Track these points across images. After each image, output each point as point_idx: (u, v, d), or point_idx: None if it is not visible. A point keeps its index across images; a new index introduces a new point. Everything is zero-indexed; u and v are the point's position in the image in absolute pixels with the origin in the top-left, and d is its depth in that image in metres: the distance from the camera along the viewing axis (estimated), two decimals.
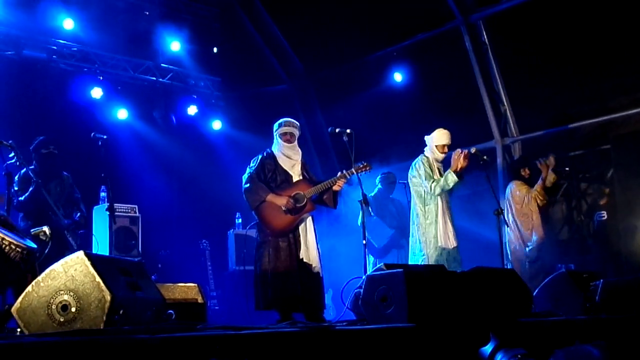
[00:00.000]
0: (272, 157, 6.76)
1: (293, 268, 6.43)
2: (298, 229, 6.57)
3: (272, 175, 6.67)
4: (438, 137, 7.39)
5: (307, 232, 6.61)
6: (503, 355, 3.59)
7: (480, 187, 7.73)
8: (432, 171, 7.28)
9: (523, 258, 8.26)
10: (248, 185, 6.57)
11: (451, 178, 7.10)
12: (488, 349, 3.72)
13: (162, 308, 4.37)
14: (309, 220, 6.67)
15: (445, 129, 7.42)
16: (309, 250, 6.55)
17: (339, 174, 6.59)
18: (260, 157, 6.75)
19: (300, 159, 6.84)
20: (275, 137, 6.84)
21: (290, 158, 6.77)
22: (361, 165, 6.63)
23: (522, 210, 8.28)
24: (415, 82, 10.62)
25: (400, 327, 3.94)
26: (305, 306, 6.46)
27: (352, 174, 6.60)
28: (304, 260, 6.49)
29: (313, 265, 6.53)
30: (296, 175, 6.74)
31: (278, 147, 6.79)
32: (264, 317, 7.23)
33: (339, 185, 6.61)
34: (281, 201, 6.48)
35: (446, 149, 7.35)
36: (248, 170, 6.69)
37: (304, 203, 6.53)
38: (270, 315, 6.75)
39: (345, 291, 5.96)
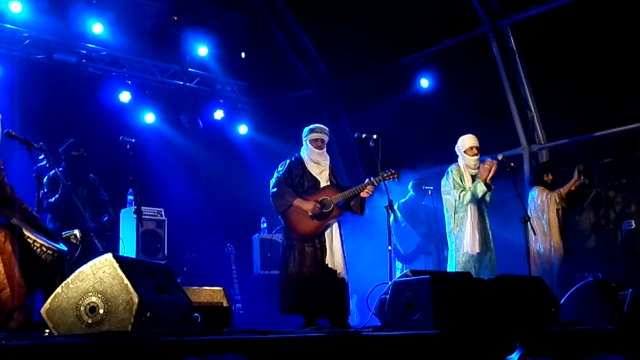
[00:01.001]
0: (300, 162, 6.75)
1: (318, 273, 6.43)
2: (324, 234, 6.57)
3: (299, 180, 6.67)
4: (464, 143, 7.43)
5: (333, 237, 6.61)
6: None
7: (507, 194, 7.69)
8: (461, 180, 7.31)
9: (550, 264, 8.24)
10: (275, 189, 6.58)
11: (480, 188, 7.13)
12: (514, 357, 3.69)
13: (188, 311, 4.40)
14: (335, 226, 6.66)
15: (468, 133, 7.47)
16: (335, 256, 6.54)
17: (367, 180, 6.57)
18: (288, 161, 6.75)
19: (328, 165, 6.83)
20: (304, 142, 6.84)
21: (318, 164, 6.77)
22: (389, 173, 6.61)
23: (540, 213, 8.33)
24: (442, 88, 10.58)
25: (426, 333, 3.93)
26: (330, 312, 6.45)
27: (380, 181, 6.58)
28: (329, 266, 6.48)
29: (338, 272, 6.52)
30: (324, 181, 6.73)
31: (307, 153, 6.78)
32: (288, 322, 7.25)
33: (367, 192, 6.58)
34: (308, 206, 6.48)
35: (475, 151, 7.37)
36: (275, 174, 6.69)
37: (330, 209, 6.53)
38: (294, 321, 6.75)
39: (370, 297, 5.97)
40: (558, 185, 8.51)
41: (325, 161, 6.82)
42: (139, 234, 7.68)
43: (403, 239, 9.01)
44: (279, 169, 6.74)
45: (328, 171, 6.81)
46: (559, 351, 4.12)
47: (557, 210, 8.38)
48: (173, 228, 9.02)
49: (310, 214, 6.48)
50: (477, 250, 7.18)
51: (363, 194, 6.59)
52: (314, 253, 6.49)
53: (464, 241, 7.25)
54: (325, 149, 6.82)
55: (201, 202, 10.34)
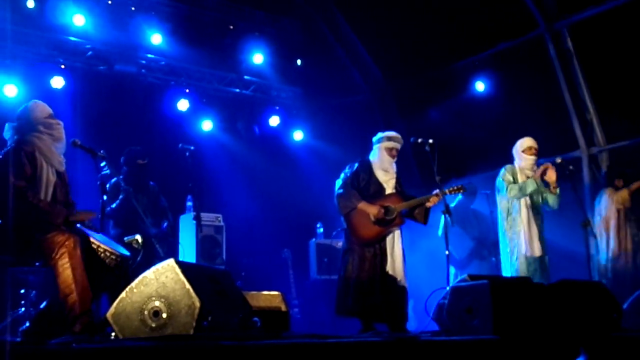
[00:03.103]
0: (368, 166, 6.75)
1: (375, 279, 6.44)
2: (384, 240, 6.56)
3: (365, 185, 6.67)
4: (522, 143, 7.42)
5: (395, 244, 6.60)
6: None
7: (566, 198, 7.57)
8: (514, 179, 7.24)
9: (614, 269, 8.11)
10: (341, 191, 6.59)
11: (531, 184, 7.08)
12: None
13: (248, 315, 4.47)
14: (397, 233, 6.65)
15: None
16: (395, 262, 6.54)
17: (435, 192, 6.57)
18: (356, 165, 6.74)
19: (395, 173, 6.82)
20: (376, 147, 6.82)
21: (387, 171, 6.76)
22: (456, 187, 6.66)
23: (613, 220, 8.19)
24: (498, 92, 10.46)
25: (485, 339, 3.92)
26: (389, 317, 6.45)
27: (446, 194, 6.61)
28: (390, 272, 6.48)
29: (398, 279, 6.52)
30: (389, 188, 6.72)
31: (378, 159, 6.77)
32: (346, 327, 7.27)
33: (431, 202, 6.59)
34: (372, 210, 6.47)
35: (533, 151, 7.33)
36: (342, 175, 6.71)
37: (393, 216, 6.52)
38: (352, 326, 6.78)
39: (428, 302, 5.95)
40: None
41: (394, 170, 6.81)
42: (198, 240, 7.81)
43: (456, 244, 8.94)
44: (346, 170, 6.74)
45: (395, 179, 6.79)
46: (622, 358, 4.06)
47: (619, 210, 8.23)
48: (231, 234, 9.13)
49: (373, 219, 6.47)
50: (538, 254, 7.08)
51: (428, 204, 6.59)
52: (373, 259, 6.50)
53: (520, 244, 7.16)
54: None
55: (258, 208, 10.44)
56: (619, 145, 9.81)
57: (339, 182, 6.67)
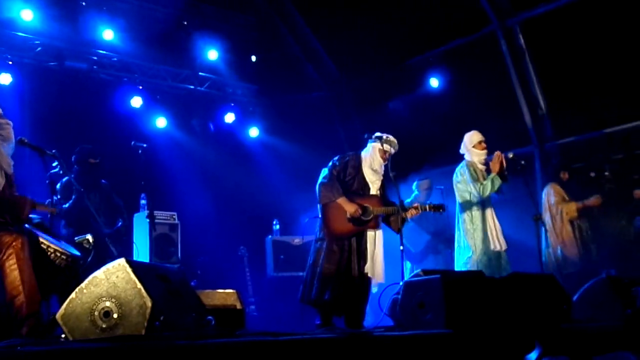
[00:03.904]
0: (358, 162, 6.72)
1: (340, 271, 6.43)
2: (353, 238, 6.55)
3: (351, 179, 6.64)
4: (471, 139, 7.47)
5: (376, 246, 6.60)
6: None
7: (517, 192, 7.67)
8: (477, 175, 7.31)
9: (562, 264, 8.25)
10: (326, 180, 6.55)
11: (497, 181, 7.16)
12: (533, 356, 3.71)
13: (201, 314, 4.43)
14: (379, 235, 6.64)
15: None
16: (375, 265, 6.53)
17: (414, 204, 6.66)
18: (347, 158, 6.71)
19: (383, 176, 6.80)
20: (370, 146, 6.78)
21: (376, 172, 6.74)
22: (436, 206, 6.76)
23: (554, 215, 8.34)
24: (452, 88, 10.56)
25: (437, 333, 3.95)
26: (348, 312, 6.46)
27: (426, 209, 6.71)
28: (369, 274, 6.48)
29: (379, 281, 6.53)
30: (374, 190, 6.71)
31: (370, 158, 6.73)
32: (304, 324, 7.29)
33: (410, 214, 6.62)
34: (350, 208, 6.45)
35: (484, 145, 7.40)
36: (330, 164, 6.65)
37: (369, 218, 6.52)
38: (309, 323, 6.78)
39: (382, 297, 5.98)
40: (573, 183, 8.50)
41: (382, 171, 6.78)
42: (152, 238, 7.72)
43: (411, 239, 9.02)
44: (335, 160, 6.70)
45: (381, 181, 6.78)
46: (573, 349, 4.13)
47: (572, 222, 8.38)
48: (186, 232, 9.06)
49: (348, 216, 6.46)
50: (505, 247, 7.17)
51: (405, 215, 6.62)
52: (340, 253, 6.49)
53: (485, 239, 7.21)
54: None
55: (214, 205, 10.38)
56: (570, 140, 9.98)
57: (324, 171, 6.61)
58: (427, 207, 6.73)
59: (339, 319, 6.59)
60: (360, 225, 6.51)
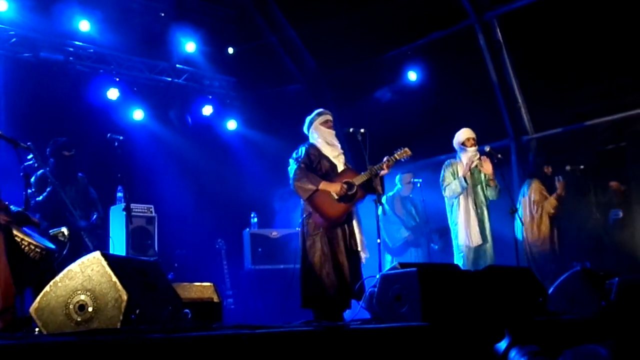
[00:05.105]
0: (315, 147, 6.64)
1: (346, 259, 6.34)
2: (351, 218, 6.50)
3: (317, 165, 6.56)
4: (460, 136, 7.63)
5: (354, 222, 6.53)
6: (517, 351, 3.61)
7: None
8: (453, 174, 7.47)
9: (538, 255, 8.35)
10: (297, 176, 6.42)
11: (458, 183, 7.41)
12: (502, 345, 3.74)
13: (178, 307, 4.41)
14: (353, 210, 6.57)
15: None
16: (357, 238, 6.47)
17: (385, 159, 6.53)
18: (304, 148, 6.61)
19: (342, 149, 6.74)
20: (313, 128, 6.73)
21: (334, 146, 6.68)
22: (402, 151, 6.61)
23: (534, 213, 8.42)
24: (430, 81, 10.60)
25: (414, 326, 3.96)
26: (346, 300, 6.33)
27: (396, 159, 6.60)
28: (357, 249, 6.42)
29: (361, 253, 6.46)
30: (341, 165, 6.65)
31: (321, 137, 6.67)
32: (282, 316, 7.27)
33: (386, 169, 6.53)
34: (335, 188, 6.37)
35: (472, 141, 7.54)
36: (293, 162, 6.55)
37: (355, 191, 6.45)
38: (288, 315, 6.75)
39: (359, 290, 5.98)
40: (553, 177, 8.60)
41: (339, 144, 6.73)
42: (128, 231, 7.66)
43: (391, 232, 9.06)
44: (295, 156, 6.61)
45: (343, 155, 6.72)
46: (546, 340, 4.16)
47: (550, 216, 8.45)
48: (163, 224, 8.99)
49: (336, 197, 6.37)
50: (476, 243, 7.29)
51: (382, 172, 6.55)
52: (344, 238, 6.40)
53: (459, 234, 7.40)
54: None
55: (191, 198, 10.34)
56: (547, 134, 10.06)
57: (292, 169, 6.49)
58: (397, 155, 6.59)
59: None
60: (350, 200, 6.44)
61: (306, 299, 6.36)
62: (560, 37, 9.18)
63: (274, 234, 9.78)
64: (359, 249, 6.46)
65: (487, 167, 7.44)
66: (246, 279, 9.66)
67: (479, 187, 7.57)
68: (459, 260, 7.44)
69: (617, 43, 8.78)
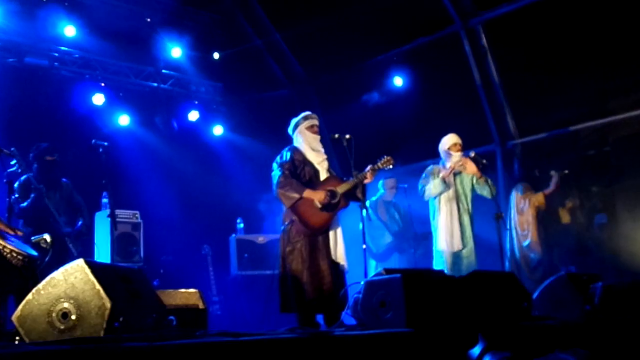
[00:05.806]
0: (299, 152, 6.57)
1: (328, 266, 6.31)
2: (331, 226, 6.46)
3: (301, 172, 6.49)
4: (446, 142, 7.66)
5: (337, 231, 6.49)
6: (491, 357, 3.63)
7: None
8: (432, 180, 7.52)
9: (526, 262, 8.38)
10: (281, 183, 6.32)
11: (437, 184, 7.44)
12: (476, 350, 3.75)
13: (162, 315, 4.39)
14: (336, 219, 6.52)
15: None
16: (338, 249, 6.43)
17: (368, 167, 6.49)
18: (288, 153, 6.53)
19: (325, 154, 6.69)
20: (298, 132, 6.67)
21: (318, 152, 6.62)
22: (385, 160, 6.57)
23: (520, 215, 8.47)
24: (416, 86, 10.64)
25: (398, 332, 3.96)
26: (332, 307, 6.25)
27: (379, 168, 6.55)
28: (337, 260, 6.38)
29: (341, 264, 6.42)
30: (324, 172, 6.59)
31: (305, 142, 6.61)
32: (268, 323, 7.25)
33: (369, 178, 6.49)
34: (318, 196, 6.30)
35: (459, 147, 7.57)
36: (277, 167, 6.45)
37: (338, 199, 6.40)
38: (274, 321, 6.73)
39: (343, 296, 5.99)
40: (543, 182, 8.66)
41: (322, 149, 6.67)
42: (114, 238, 7.63)
43: (375, 238, 9.07)
44: (278, 161, 6.51)
45: (326, 160, 6.66)
46: (528, 345, 4.18)
47: (537, 209, 8.48)
48: (149, 231, 8.95)
49: (319, 205, 6.31)
50: (456, 248, 7.32)
51: (366, 181, 6.51)
52: (324, 247, 6.35)
53: (439, 238, 7.42)
54: None
55: (177, 204, 10.30)
56: (532, 139, 10.11)
57: (276, 175, 6.39)
58: (380, 164, 6.54)
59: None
60: (333, 209, 6.39)
61: (284, 303, 6.35)
62: (544, 42, 9.25)
63: (261, 239, 9.76)
64: (341, 261, 6.42)
65: (471, 168, 7.46)
66: (232, 285, 9.63)
67: (463, 196, 7.56)
68: (438, 265, 7.44)
69: (601, 48, 8.86)
